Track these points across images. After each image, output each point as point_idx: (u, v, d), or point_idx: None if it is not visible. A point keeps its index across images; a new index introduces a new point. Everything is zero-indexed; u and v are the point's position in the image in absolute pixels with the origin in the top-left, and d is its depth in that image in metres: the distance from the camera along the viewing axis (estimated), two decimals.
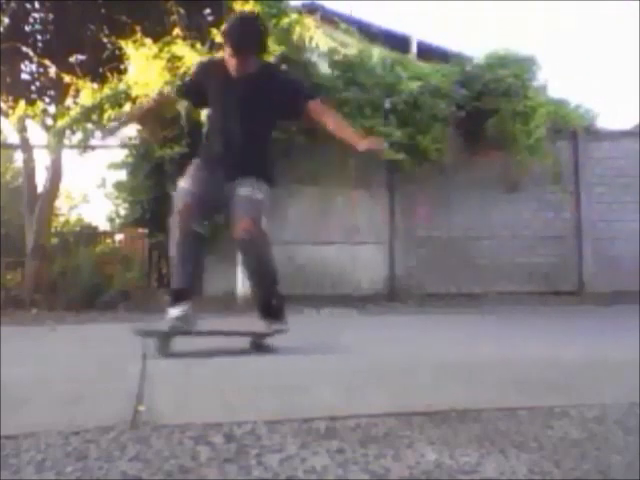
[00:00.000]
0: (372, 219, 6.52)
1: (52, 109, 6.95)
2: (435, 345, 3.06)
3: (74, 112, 6.05)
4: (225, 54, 2.80)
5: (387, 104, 6.00)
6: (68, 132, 6.22)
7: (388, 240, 6.56)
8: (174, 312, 2.78)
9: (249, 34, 2.74)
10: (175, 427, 1.50)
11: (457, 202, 6.68)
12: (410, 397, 1.88)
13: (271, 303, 2.90)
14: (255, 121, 2.84)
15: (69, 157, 9.35)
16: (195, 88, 3.05)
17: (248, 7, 5.73)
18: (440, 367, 2.37)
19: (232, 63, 2.75)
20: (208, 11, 6.98)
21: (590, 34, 40.28)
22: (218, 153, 2.91)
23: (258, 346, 2.86)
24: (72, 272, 5.68)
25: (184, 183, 2.90)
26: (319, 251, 6.30)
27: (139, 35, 5.79)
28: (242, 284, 5.54)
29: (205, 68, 3.14)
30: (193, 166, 2.98)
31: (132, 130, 6.03)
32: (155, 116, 4.69)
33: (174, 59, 5.48)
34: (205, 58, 3.62)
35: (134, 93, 5.64)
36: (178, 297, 2.82)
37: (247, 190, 2.78)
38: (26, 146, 6.95)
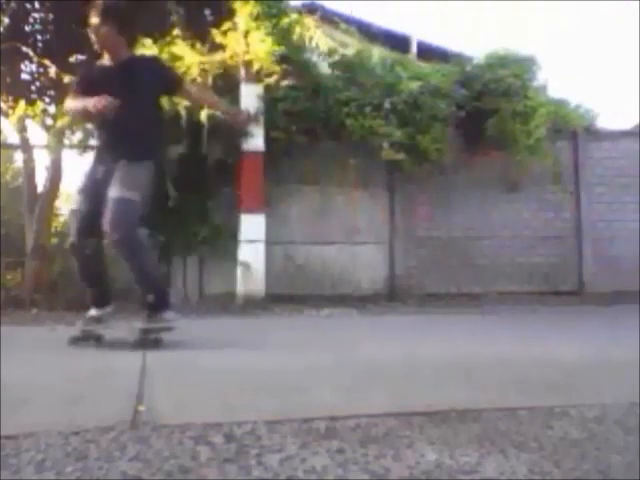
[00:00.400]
0: (372, 219, 6.51)
1: (52, 109, 6.94)
2: (435, 345, 3.06)
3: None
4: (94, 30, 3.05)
5: (387, 104, 5.99)
6: (68, 132, 6.21)
7: (388, 240, 6.55)
8: (91, 312, 3.11)
9: (112, 6, 3.02)
10: (175, 427, 1.50)
11: (457, 202, 6.67)
12: (410, 397, 1.88)
13: (149, 300, 3.01)
14: (129, 104, 2.95)
15: (69, 157, 9.32)
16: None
17: (248, 7, 5.72)
18: (440, 367, 2.37)
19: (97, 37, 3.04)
20: (208, 11, 6.97)
21: (590, 34, 40.28)
22: (102, 142, 3.13)
23: (145, 341, 2.93)
24: (72, 272, 5.66)
25: (76, 200, 3.13)
26: (319, 251, 6.29)
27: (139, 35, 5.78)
28: (242, 284, 5.53)
29: (87, 71, 3.42)
30: (88, 168, 3.17)
31: None
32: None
33: (174, 59, 5.47)
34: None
35: None
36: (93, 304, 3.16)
37: (117, 190, 2.89)
38: (26, 146, 6.93)
